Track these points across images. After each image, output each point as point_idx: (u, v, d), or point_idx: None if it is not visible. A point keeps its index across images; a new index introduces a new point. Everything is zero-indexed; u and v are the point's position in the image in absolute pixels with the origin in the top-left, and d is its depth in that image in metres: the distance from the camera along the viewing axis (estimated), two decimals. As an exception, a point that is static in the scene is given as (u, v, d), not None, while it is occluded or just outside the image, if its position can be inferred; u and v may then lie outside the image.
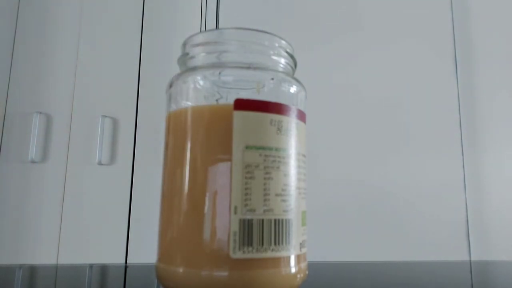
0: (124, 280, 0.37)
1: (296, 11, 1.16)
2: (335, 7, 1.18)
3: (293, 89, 0.23)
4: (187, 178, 0.21)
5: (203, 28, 1.16)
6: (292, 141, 0.22)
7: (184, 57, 0.24)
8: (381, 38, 1.17)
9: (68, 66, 1.18)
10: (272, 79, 0.23)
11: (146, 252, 1.03)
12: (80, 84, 1.17)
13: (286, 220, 0.21)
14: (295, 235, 0.21)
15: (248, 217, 0.20)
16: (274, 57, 0.23)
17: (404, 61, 1.16)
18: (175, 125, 0.23)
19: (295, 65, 0.25)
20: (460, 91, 1.16)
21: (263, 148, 0.21)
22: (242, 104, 0.21)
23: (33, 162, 1.10)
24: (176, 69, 1.02)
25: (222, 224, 0.20)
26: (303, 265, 0.23)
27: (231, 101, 0.21)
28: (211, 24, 1.17)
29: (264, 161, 0.21)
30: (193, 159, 0.21)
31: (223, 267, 0.20)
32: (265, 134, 0.21)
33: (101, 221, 1.08)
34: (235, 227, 0.20)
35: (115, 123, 1.12)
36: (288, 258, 0.21)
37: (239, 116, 0.21)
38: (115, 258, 1.07)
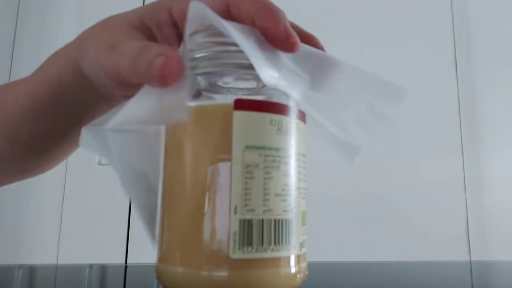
0: (124, 280, 0.37)
1: (297, 12, 1.16)
2: (335, 7, 1.18)
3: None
4: (186, 178, 0.21)
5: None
6: (292, 141, 0.22)
7: (184, 57, 0.24)
8: (380, 38, 1.17)
9: (68, 66, 1.18)
10: (272, 79, 0.23)
11: (146, 252, 1.03)
12: (80, 84, 1.16)
13: (286, 220, 0.21)
14: (295, 235, 0.21)
15: (248, 217, 0.20)
16: (274, 57, 0.23)
17: (404, 61, 1.16)
18: (175, 125, 0.23)
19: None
20: (460, 91, 1.15)
21: (263, 148, 0.21)
22: (242, 104, 0.21)
23: (33, 162, 1.10)
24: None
25: (222, 224, 0.20)
26: (303, 265, 0.23)
27: (231, 101, 0.21)
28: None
29: (264, 161, 0.21)
30: (192, 159, 0.21)
31: (223, 267, 0.20)
32: (265, 134, 0.21)
33: (101, 221, 1.08)
34: (235, 227, 0.20)
35: (115, 123, 1.12)
36: (288, 258, 0.21)
37: (239, 116, 0.21)
38: (115, 258, 1.06)
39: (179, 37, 0.26)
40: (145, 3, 1.23)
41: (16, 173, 0.35)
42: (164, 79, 0.21)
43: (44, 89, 0.28)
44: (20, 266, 0.43)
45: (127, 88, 0.24)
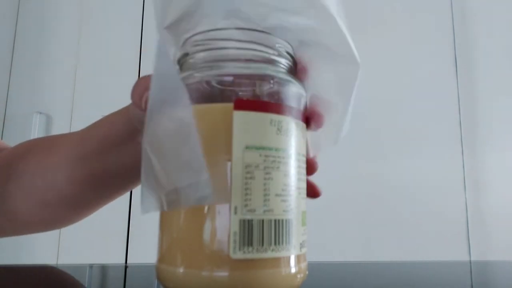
0: (124, 280, 0.37)
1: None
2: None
3: (293, 89, 0.23)
4: (187, 178, 0.21)
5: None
6: (292, 141, 0.22)
7: (184, 57, 0.24)
8: (381, 38, 1.17)
9: (68, 66, 1.18)
10: (272, 79, 0.23)
11: (146, 252, 1.03)
12: (80, 84, 1.17)
13: (286, 220, 0.21)
14: (295, 235, 0.21)
15: (248, 217, 0.20)
16: (275, 57, 0.23)
17: (404, 61, 1.16)
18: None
19: (295, 65, 0.25)
20: (460, 91, 1.15)
21: (263, 148, 0.21)
22: (242, 104, 0.21)
23: (33, 162, 1.10)
24: (176, 69, 1.02)
25: (222, 224, 0.20)
26: (303, 265, 0.23)
27: (231, 101, 0.21)
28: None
29: (264, 161, 0.21)
30: (193, 159, 0.21)
31: (224, 267, 0.20)
32: (265, 134, 0.21)
33: (101, 221, 1.07)
34: (235, 227, 0.20)
35: (115, 123, 1.12)
36: (288, 258, 0.21)
37: (239, 116, 0.21)
38: (115, 258, 1.06)
39: None
40: (145, 3, 1.22)
41: (69, 212, 0.40)
42: None
43: (104, 132, 0.34)
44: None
45: None
